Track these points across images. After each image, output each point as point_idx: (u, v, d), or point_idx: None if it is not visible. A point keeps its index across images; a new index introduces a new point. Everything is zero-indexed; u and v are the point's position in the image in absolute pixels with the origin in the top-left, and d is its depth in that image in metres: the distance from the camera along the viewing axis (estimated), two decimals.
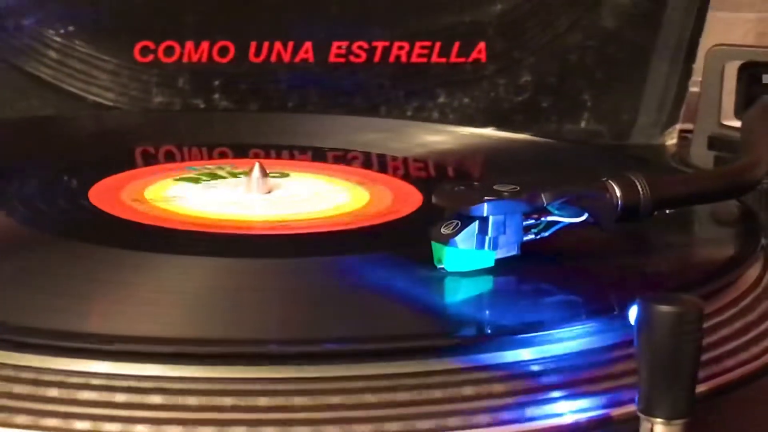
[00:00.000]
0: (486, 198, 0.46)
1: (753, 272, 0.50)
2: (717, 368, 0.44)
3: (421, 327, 0.42)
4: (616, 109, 0.85)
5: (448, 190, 0.47)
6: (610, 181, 0.49)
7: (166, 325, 0.41)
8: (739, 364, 0.45)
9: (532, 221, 0.47)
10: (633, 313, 0.37)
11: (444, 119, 0.84)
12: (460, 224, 0.46)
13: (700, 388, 0.42)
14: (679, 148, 0.84)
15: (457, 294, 0.45)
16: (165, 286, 0.46)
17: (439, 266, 0.46)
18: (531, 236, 0.48)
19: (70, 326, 0.41)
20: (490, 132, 0.74)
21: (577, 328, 0.41)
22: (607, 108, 0.85)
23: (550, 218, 0.48)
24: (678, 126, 0.86)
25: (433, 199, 0.47)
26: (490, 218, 0.46)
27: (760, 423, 0.43)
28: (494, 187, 0.47)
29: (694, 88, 0.83)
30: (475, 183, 0.48)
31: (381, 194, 0.59)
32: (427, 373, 0.39)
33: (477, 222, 0.46)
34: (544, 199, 0.47)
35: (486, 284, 0.46)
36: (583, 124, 0.85)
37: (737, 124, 0.71)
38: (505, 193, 0.46)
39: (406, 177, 0.63)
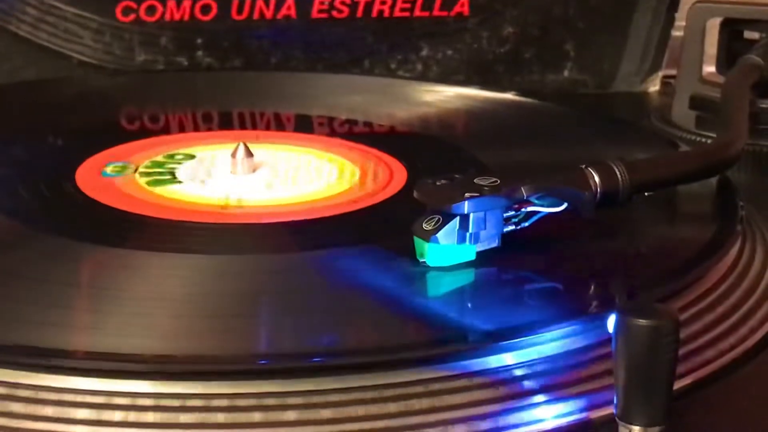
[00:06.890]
0: (467, 195, 0.46)
1: (733, 251, 0.51)
2: (698, 359, 0.44)
3: (400, 336, 0.42)
4: (599, 58, 0.86)
5: (429, 186, 0.48)
6: (589, 169, 0.49)
7: (154, 338, 0.41)
8: (720, 353, 0.45)
9: (512, 212, 0.48)
10: (611, 322, 0.38)
11: (428, 71, 0.84)
12: (441, 220, 0.47)
13: (684, 382, 0.43)
14: (661, 96, 0.85)
15: (436, 297, 0.46)
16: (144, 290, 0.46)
17: (421, 260, 0.47)
18: (511, 227, 0.48)
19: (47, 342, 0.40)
20: (475, 92, 0.74)
21: (557, 331, 0.42)
22: (590, 58, 0.85)
23: (530, 208, 0.48)
24: (661, 73, 0.86)
25: (415, 195, 0.48)
26: (471, 215, 0.46)
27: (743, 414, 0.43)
28: (475, 180, 0.47)
29: (677, 32, 0.83)
30: (456, 176, 0.48)
31: (366, 168, 0.60)
32: (403, 383, 0.39)
33: (458, 218, 0.46)
34: (524, 192, 0.47)
35: (464, 284, 0.46)
36: (566, 74, 0.85)
37: (720, 79, 0.71)
38: (486, 188, 0.47)
39: (391, 146, 0.63)
